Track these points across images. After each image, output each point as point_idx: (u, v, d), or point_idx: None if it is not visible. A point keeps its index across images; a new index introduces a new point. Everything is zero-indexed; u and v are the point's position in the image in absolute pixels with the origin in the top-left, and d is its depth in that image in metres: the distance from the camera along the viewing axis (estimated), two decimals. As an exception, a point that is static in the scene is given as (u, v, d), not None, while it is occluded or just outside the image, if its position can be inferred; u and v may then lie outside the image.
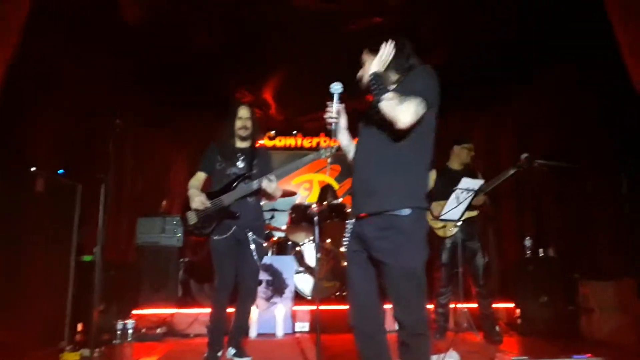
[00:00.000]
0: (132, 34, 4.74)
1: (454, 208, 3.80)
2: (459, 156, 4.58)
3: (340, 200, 6.44)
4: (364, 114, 2.40)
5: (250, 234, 3.53)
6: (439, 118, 2.30)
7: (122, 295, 4.70)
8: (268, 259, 5.36)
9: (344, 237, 2.32)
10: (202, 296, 5.35)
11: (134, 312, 4.77)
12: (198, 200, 3.50)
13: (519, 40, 4.89)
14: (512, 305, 4.95)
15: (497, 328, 4.32)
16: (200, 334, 4.82)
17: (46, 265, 3.93)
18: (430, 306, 4.80)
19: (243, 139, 3.65)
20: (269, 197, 3.64)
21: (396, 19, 4.69)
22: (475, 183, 3.81)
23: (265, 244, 3.80)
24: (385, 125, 2.16)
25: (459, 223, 4.03)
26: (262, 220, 3.76)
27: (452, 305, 4.58)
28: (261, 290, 5.08)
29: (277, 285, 5.10)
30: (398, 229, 2.10)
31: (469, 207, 3.97)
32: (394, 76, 2.34)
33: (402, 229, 2.10)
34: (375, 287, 2.30)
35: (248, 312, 3.72)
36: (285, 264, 5.26)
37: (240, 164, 3.60)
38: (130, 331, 4.49)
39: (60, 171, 4.11)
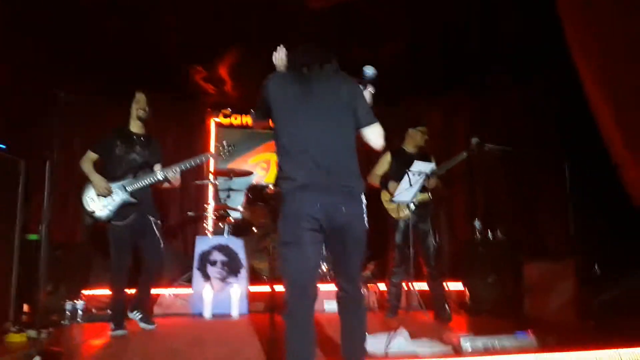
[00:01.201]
0: (82, 7, 4.53)
1: (407, 189, 3.88)
2: (413, 139, 4.66)
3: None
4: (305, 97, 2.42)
5: (152, 219, 3.92)
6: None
7: (71, 276, 4.58)
8: (224, 239, 5.33)
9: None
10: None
11: (84, 292, 4.65)
12: (103, 187, 3.71)
13: (478, 30, 4.99)
14: (461, 285, 5.13)
15: (447, 307, 4.47)
16: (154, 314, 4.77)
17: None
18: (382, 286, 4.92)
19: (141, 121, 3.95)
20: (170, 184, 3.96)
21: (356, 1, 4.67)
22: (427, 166, 3.90)
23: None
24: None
25: (412, 205, 4.12)
26: (153, 203, 4.06)
27: (404, 285, 4.71)
28: (216, 270, 5.06)
29: (233, 266, 5.08)
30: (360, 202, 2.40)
31: (422, 190, 4.07)
32: None
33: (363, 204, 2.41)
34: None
35: (152, 285, 4.12)
36: (240, 244, 5.24)
37: (138, 149, 3.89)
38: (79, 312, 4.39)
39: (1, 146, 3.91)
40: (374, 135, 2.47)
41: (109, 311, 3.99)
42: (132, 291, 4.04)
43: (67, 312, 4.32)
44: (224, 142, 4.05)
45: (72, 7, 4.54)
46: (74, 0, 4.44)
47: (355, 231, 2.34)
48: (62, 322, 4.28)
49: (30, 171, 4.13)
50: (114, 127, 3.99)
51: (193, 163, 3.96)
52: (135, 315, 3.96)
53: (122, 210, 3.77)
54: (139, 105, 3.94)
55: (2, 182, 3.96)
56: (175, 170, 3.86)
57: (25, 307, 4.02)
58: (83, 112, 5.61)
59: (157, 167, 3.92)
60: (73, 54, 5.38)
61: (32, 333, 3.58)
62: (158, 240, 3.96)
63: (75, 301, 4.39)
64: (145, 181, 3.84)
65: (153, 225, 3.93)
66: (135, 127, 3.98)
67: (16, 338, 3.57)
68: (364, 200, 2.43)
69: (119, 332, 3.80)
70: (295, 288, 2.28)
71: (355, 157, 2.42)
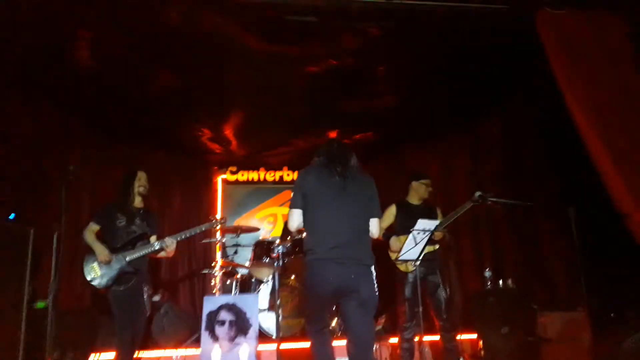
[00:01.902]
0: (88, 76, 4.72)
1: (412, 248, 3.87)
2: (417, 191, 4.68)
3: (304, 235, 6.44)
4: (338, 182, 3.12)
5: (145, 288, 4.14)
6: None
7: (79, 341, 4.53)
8: (231, 298, 5.28)
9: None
10: (162, 338, 5.21)
11: (92, 356, 4.59)
12: (105, 255, 3.95)
13: (472, 80, 5.12)
14: (474, 336, 5.01)
15: (461, 360, 4.36)
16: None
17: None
18: (394, 340, 4.82)
19: (142, 197, 4.26)
20: (166, 253, 4.22)
21: (351, 61, 4.83)
22: (431, 223, 3.89)
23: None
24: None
25: (418, 262, 4.09)
26: (149, 273, 4.32)
27: (416, 339, 4.61)
28: (224, 330, 4.98)
29: (241, 325, 5.01)
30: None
31: (429, 242, 4.06)
32: None
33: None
34: None
35: (134, 353, 4.16)
36: (248, 302, 5.18)
37: (138, 222, 4.18)
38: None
39: (11, 216, 4.00)
40: (376, 227, 3.22)
41: None
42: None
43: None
44: (216, 216, 4.45)
45: (76, 73, 4.71)
46: (78, 66, 4.59)
47: (364, 293, 3.03)
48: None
49: (39, 240, 4.19)
50: (114, 201, 4.26)
51: (188, 234, 4.31)
52: None
53: (122, 277, 3.99)
54: (140, 183, 4.24)
55: (11, 250, 4.00)
56: (171, 241, 4.14)
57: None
58: (91, 179, 5.73)
59: (153, 239, 4.22)
60: (81, 122, 5.57)
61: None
62: (145, 308, 4.16)
63: (83, 368, 4.33)
64: (143, 251, 4.10)
65: (144, 294, 4.15)
66: (136, 201, 4.26)
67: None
68: (374, 271, 3.14)
69: None
70: (315, 323, 3.12)
71: (369, 238, 3.19)
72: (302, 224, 3.15)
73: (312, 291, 3.10)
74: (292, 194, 3.21)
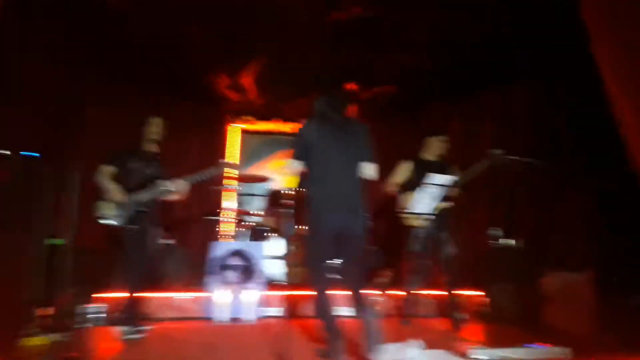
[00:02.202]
0: (109, 20, 4.68)
1: (425, 201, 3.87)
2: (434, 148, 4.64)
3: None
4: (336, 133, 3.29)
5: (156, 228, 4.25)
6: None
7: (94, 280, 4.69)
8: (240, 244, 5.40)
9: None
10: (174, 280, 5.37)
11: (106, 295, 4.77)
12: (119, 195, 4.03)
13: (498, 41, 4.94)
14: (481, 293, 5.07)
15: (463, 316, 4.42)
16: (173, 317, 4.87)
17: (16, 249, 3.89)
18: (401, 293, 4.90)
19: (154, 142, 4.29)
20: (179, 195, 4.28)
21: (379, 10, 4.68)
22: (446, 179, 3.87)
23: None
24: None
25: (430, 216, 4.09)
26: (159, 214, 4.35)
27: (420, 293, 4.68)
28: (233, 275, 5.12)
29: (250, 271, 5.14)
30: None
31: (442, 199, 4.05)
32: None
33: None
34: None
35: (143, 294, 4.31)
36: (257, 249, 5.30)
37: (151, 165, 4.25)
38: (101, 315, 4.49)
39: (34, 154, 4.07)
40: (372, 169, 3.35)
41: (115, 314, 4.24)
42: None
43: (88, 316, 4.43)
44: (226, 160, 4.35)
45: (100, 18, 4.68)
46: (102, 12, 4.56)
47: (356, 237, 3.26)
48: (84, 325, 4.39)
49: (60, 179, 4.28)
50: (128, 146, 4.30)
51: (200, 177, 4.29)
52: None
53: (134, 217, 4.06)
54: (152, 129, 4.28)
55: (33, 188, 4.09)
56: (183, 182, 4.19)
57: (49, 311, 4.13)
58: (111, 122, 5.78)
59: (166, 182, 4.23)
60: (101, 66, 5.56)
61: (55, 336, 3.69)
62: (155, 250, 4.31)
63: (97, 305, 4.50)
64: (155, 193, 4.16)
65: (155, 233, 4.27)
66: (149, 147, 4.32)
67: (39, 341, 3.66)
68: (365, 215, 3.29)
69: (135, 335, 3.94)
70: (316, 263, 3.25)
71: (359, 185, 3.32)
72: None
73: (313, 238, 3.28)
74: (293, 143, 3.34)
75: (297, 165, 3.30)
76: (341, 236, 3.22)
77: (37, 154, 4.10)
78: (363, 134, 3.41)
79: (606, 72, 3.44)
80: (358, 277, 3.30)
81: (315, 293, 3.23)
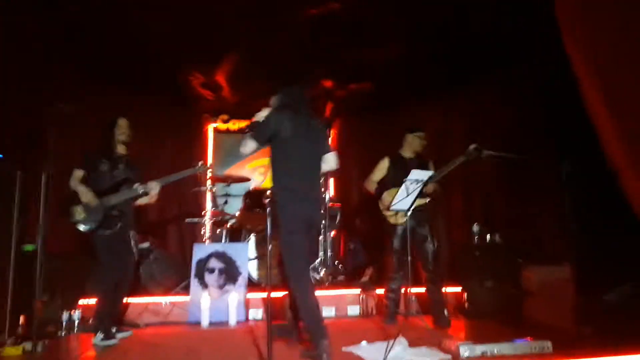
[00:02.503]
0: (81, 15, 4.53)
1: (404, 198, 3.87)
2: (411, 145, 4.66)
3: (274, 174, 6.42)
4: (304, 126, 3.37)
5: (132, 233, 4.20)
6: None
7: (68, 286, 4.54)
8: (221, 246, 5.32)
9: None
10: (152, 284, 5.25)
11: (81, 302, 4.63)
12: (89, 197, 3.96)
13: (472, 34, 4.98)
14: (460, 289, 5.11)
15: (446, 313, 4.45)
16: (151, 323, 4.77)
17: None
18: (381, 291, 4.91)
19: (123, 144, 4.26)
20: (149, 198, 4.27)
21: (353, 5, 4.66)
22: (424, 174, 3.88)
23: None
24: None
25: (409, 213, 4.10)
26: (134, 218, 4.35)
27: (402, 291, 4.69)
28: (214, 278, 5.05)
29: (231, 273, 5.07)
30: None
31: (420, 195, 4.06)
32: None
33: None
34: None
35: (122, 298, 4.33)
36: (238, 251, 5.23)
37: (121, 167, 4.20)
38: (76, 322, 4.37)
39: (-1, 157, 3.92)
40: (334, 159, 3.59)
41: (90, 321, 4.17)
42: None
43: (63, 323, 4.30)
44: (200, 163, 4.44)
45: (68, 18, 4.54)
46: (70, 10, 4.42)
47: (319, 224, 3.59)
48: (59, 333, 4.26)
49: (27, 182, 4.13)
50: (97, 148, 4.24)
51: (172, 179, 4.29)
52: (97, 337, 3.93)
53: (107, 221, 4.00)
54: (121, 131, 4.24)
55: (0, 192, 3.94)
56: (154, 185, 4.16)
57: (21, 319, 3.99)
58: (80, 123, 5.59)
59: (137, 184, 4.20)
60: (70, 64, 5.39)
61: (28, 346, 3.57)
62: (133, 254, 4.24)
63: (71, 311, 4.37)
64: (127, 195, 4.13)
65: (131, 238, 4.21)
66: (119, 148, 4.27)
67: (12, 351, 3.54)
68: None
69: (110, 341, 3.88)
70: (300, 260, 3.26)
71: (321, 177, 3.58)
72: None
73: (287, 228, 3.23)
74: (258, 127, 3.32)
75: (253, 147, 3.34)
76: (310, 227, 3.33)
77: (0, 155, 3.95)
78: (323, 128, 3.64)
79: (578, 63, 3.50)
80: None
81: (299, 292, 3.19)
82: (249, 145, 3.33)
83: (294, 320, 3.61)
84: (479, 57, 5.47)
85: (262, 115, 3.39)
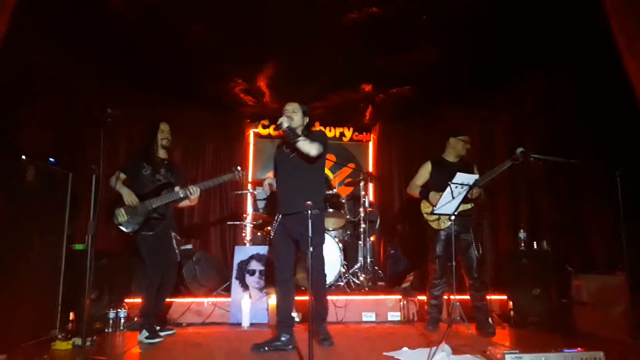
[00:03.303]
0: (126, 25, 4.68)
1: (449, 202, 3.80)
2: (454, 148, 4.57)
3: (335, 190, 6.42)
4: (283, 152, 3.92)
5: (173, 234, 4.31)
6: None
7: (115, 285, 4.68)
8: (262, 248, 5.36)
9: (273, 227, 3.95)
10: (194, 285, 5.34)
11: (127, 300, 4.76)
12: (132, 199, 4.10)
13: (517, 36, 4.85)
14: (505, 297, 4.97)
15: (490, 320, 4.34)
16: (193, 323, 4.85)
17: (38, 254, 3.89)
18: (424, 297, 4.82)
19: (164, 148, 4.39)
20: (190, 201, 4.38)
21: (392, 9, 4.62)
22: (470, 178, 3.80)
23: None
24: (303, 156, 3.71)
25: (453, 217, 4.02)
26: (175, 221, 4.47)
27: (445, 297, 4.59)
28: (254, 280, 5.09)
29: (271, 275, 5.09)
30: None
31: (465, 200, 3.98)
32: (300, 132, 3.81)
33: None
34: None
35: (165, 297, 4.38)
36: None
37: (163, 172, 4.32)
38: (122, 320, 4.49)
39: (52, 160, 4.08)
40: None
41: (136, 319, 4.29)
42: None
43: (110, 320, 4.43)
44: (238, 168, 4.42)
45: (117, 27, 4.69)
46: (119, 20, 4.57)
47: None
48: (106, 330, 4.39)
49: (78, 184, 4.30)
50: (140, 153, 4.39)
51: (211, 184, 4.37)
52: (143, 334, 4.02)
53: (148, 223, 4.14)
54: (163, 135, 4.36)
55: (51, 194, 4.10)
56: (195, 189, 4.25)
57: (71, 315, 4.14)
58: (128, 128, 5.79)
59: (178, 188, 4.30)
60: (119, 71, 5.57)
61: (77, 341, 3.70)
62: (175, 255, 4.34)
63: (118, 309, 4.50)
64: (168, 199, 4.22)
65: (173, 239, 4.31)
66: (160, 153, 4.39)
67: (62, 346, 3.69)
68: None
69: (155, 339, 3.98)
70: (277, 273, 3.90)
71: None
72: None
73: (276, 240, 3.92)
74: (324, 136, 3.99)
75: (321, 151, 3.83)
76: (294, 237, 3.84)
77: (53, 160, 4.12)
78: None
79: (628, 60, 3.34)
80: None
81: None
82: (319, 149, 3.70)
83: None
84: (520, 59, 5.33)
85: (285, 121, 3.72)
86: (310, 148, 3.66)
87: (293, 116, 3.83)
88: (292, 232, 3.75)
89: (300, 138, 3.68)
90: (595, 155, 4.68)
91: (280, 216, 3.85)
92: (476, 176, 3.91)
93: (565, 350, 3.08)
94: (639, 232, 3.96)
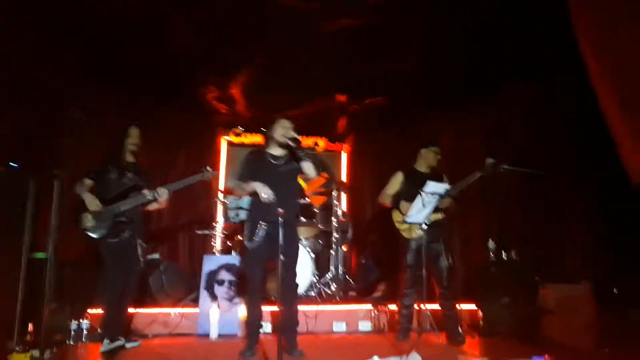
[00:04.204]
0: (99, 27, 4.58)
1: (420, 211, 3.81)
2: (425, 159, 4.60)
3: (307, 199, 6.39)
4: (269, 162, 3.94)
5: (139, 241, 4.20)
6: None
7: (77, 295, 4.51)
8: (232, 258, 5.27)
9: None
10: (161, 295, 5.21)
11: (90, 311, 4.59)
12: (95, 204, 3.99)
13: (489, 48, 4.94)
14: (474, 307, 5.00)
15: (460, 329, 4.34)
16: (159, 334, 4.72)
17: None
18: (394, 307, 4.81)
19: (132, 153, 4.27)
20: (159, 204, 4.27)
21: (371, 21, 4.66)
22: (441, 187, 3.83)
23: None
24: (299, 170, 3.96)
25: (424, 225, 4.03)
26: (143, 225, 4.37)
27: (415, 307, 4.59)
28: (224, 290, 4.99)
29: (240, 286, 5.00)
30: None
31: (435, 210, 4.00)
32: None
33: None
34: None
35: (126, 305, 4.26)
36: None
37: (130, 175, 4.21)
38: (85, 332, 4.33)
39: (13, 165, 3.93)
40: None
41: (99, 330, 4.13)
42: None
43: (72, 332, 4.27)
44: (207, 167, 4.29)
45: (87, 27, 4.59)
46: (88, 20, 4.47)
47: None
48: (67, 341, 4.23)
49: (40, 190, 4.14)
50: (107, 156, 4.30)
51: (181, 185, 4.26)
52: (104, 344, 3.94)
53: (115, 228, 4.02)
54: (131, 140, 4.26)
55: (11, 199, 3.95)
56: (162, 191, 4.13)
57: (30, 327, 3.96)
58: (94, 131, 5.62)
59: (146, 190, 4.17)
60: (86, 73, 5.42)
61: (35, 353, 3.53)
62: (138, 262, 4.22)
63: (80, 320, 4.34)
64: (135, 202, 4.11)
65: (138, 246, 4.20)
66: (127, 156, 4.28)
67: (20, 358, 3.53)
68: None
69: (115, 343, 3.93)
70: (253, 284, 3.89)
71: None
72: None
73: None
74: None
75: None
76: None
77: (15, 165, 3.98)
78: None
79: (595, 72, 3.44)
80: None
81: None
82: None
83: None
84: (495, 73, 5.42)
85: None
86: (313, 171, 3.91)
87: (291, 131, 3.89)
88: (275, 239, 3.52)
89: (309, 158, 3.87)
90: (564, 167, 4.78)
91: (263, 224, 3.79)
92: (447, 185, 3.94)
93: (534, 358, 3.11)
94: (606, 242, 4.05)
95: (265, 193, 3.67)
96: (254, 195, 3.81)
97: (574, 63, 3.68)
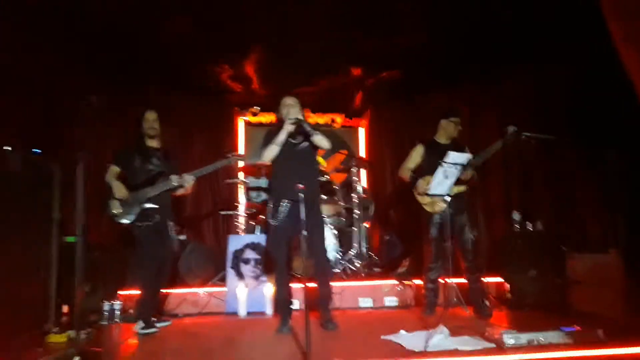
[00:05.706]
0: (110, 13, 4.58)
1: (442, 182, 3.76)
2: (446, 130, 4.52)
3: (327, 177, 6.38)
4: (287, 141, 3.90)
5: (170, 224, 4.24)
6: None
7: (108, 277, 4.63)
8: (257, 237, 5.32)
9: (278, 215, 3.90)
10: (189, 276, 5.30)
11: (121, 292, 4.71)
12: (122, 192, 4.06)
13: (506, 21, 4.81)
14: (501, 279, 4.97)
15: (487, 302, 4.34)
16: (189, 313, 4.82)
17: (28, 247, 3.83)
18: (419, 282, 4.81)
19: (152, 138, 4.26)
20: (184, 190, 4.28)
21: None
22: (463, 157, 3.77)
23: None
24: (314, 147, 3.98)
25: (447, 197, 3.99)
26: (171, 208, 4.38)
27: (441, 281, 4.58)
28: (250, 269, 5.06)
29: (266, 264, 5.06)
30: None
31: (457, 182, 3.95)
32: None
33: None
34: None
35: (161, 286, 4.36)
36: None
37: (155, 161, 4.23)
38: (117, 312, 4.44)
39: (36, 150, 4.00)
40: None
41: (131, 310, 4.32)
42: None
43: (104, 313, 4.39)
44: (232, 153, 4.41)
45: (101, 13, 4.59)
46: (103, 6, 4.47)
47: None
48: (101, 322, 4.35)
49: (66, 174, 4.21)
50: (130, 143, 4.36)
51: (205, 171, 4.29)
52: (138, 325, 4.01)
53: (144, 214, 4.08)
54: (147, 124, 4.26)
55: (38, 186, 4.03)
56: (190, 177, 4.18)
57: (65, 308, 4.09)
58: (115, 115, 5.69)
59: (173, 177, 4.20)
60: (104, 60, 5.45)
61: (72, 333, 3.66)
62: (172, 244, 4.31)
63: (112, 302, 4.45)
64: (162, 188, 4.15)
65: (169, 228, 4.24)
66: (149, 142, 4.30)
67: (57, 338, 3.66)
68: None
69: (150, 329, 3.97)
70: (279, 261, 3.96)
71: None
72: None
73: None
74: None
75: None
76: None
77: (38, 150, 4.04)
78: None
79: (618, 37, 3.31)
80: None
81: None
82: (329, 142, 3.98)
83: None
84: (510, 42, 5.28)
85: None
86: (326, 142, 3.91)
87: (295, 109, 3.91)
88: (297, 216, 3.51)
89: (317, 132, 3.89)
90: (586, 135, 4.66)
91: (286, 201, 3.86)
92: (469, 155, 3.88)
93: (563, 329, 3.09)
94: (632, 210, 3.97)
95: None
96: (277, 167, 4.01)
97: (593, 29, 3.56)
